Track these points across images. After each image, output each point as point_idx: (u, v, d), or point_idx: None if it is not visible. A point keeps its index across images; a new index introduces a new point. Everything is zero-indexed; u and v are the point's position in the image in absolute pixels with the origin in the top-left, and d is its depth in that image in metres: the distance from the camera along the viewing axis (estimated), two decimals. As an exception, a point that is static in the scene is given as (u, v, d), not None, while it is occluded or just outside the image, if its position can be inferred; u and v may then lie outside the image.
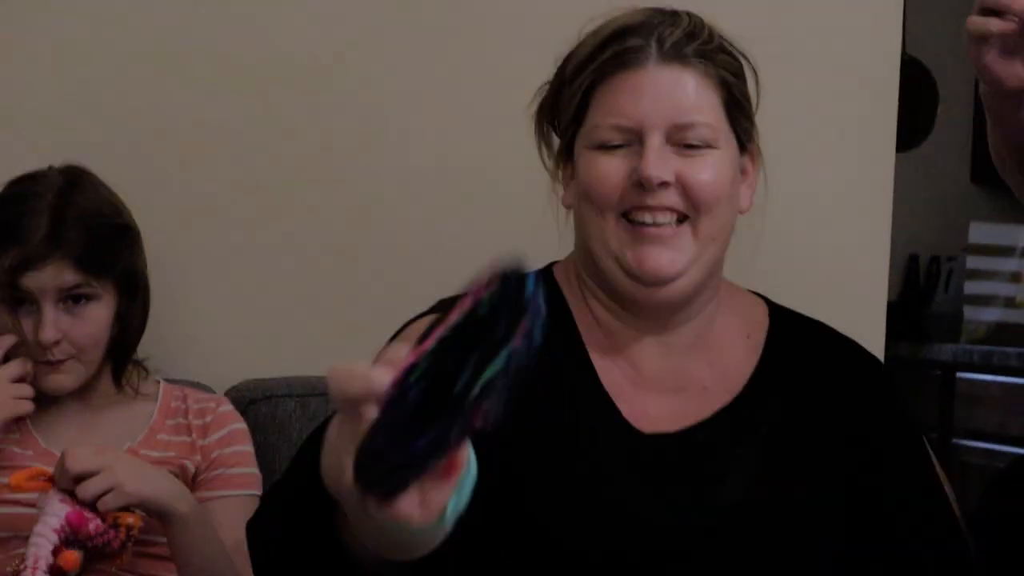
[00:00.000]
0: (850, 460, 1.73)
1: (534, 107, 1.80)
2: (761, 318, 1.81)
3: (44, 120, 2.41)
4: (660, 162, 1.67)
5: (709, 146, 1.69)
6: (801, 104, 2.51)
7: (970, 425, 4.27)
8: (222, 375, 2.39)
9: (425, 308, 1.78)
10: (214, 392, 2.32)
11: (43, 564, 1.87)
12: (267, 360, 2.42)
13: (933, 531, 1.75)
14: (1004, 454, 3.96)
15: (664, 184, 1.68)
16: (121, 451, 2.05)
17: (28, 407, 2.09)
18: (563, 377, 1.71)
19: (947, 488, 1.79)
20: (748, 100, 1.74)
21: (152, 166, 2.43)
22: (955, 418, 4.33)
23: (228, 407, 2.23)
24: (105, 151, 2.32)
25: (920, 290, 4.67)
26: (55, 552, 1.88)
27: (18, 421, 2.13)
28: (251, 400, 2.34)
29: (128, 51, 2.42)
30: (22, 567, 1.88)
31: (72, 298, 2.08)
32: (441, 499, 1.07)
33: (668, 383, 1.75)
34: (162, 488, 1.99)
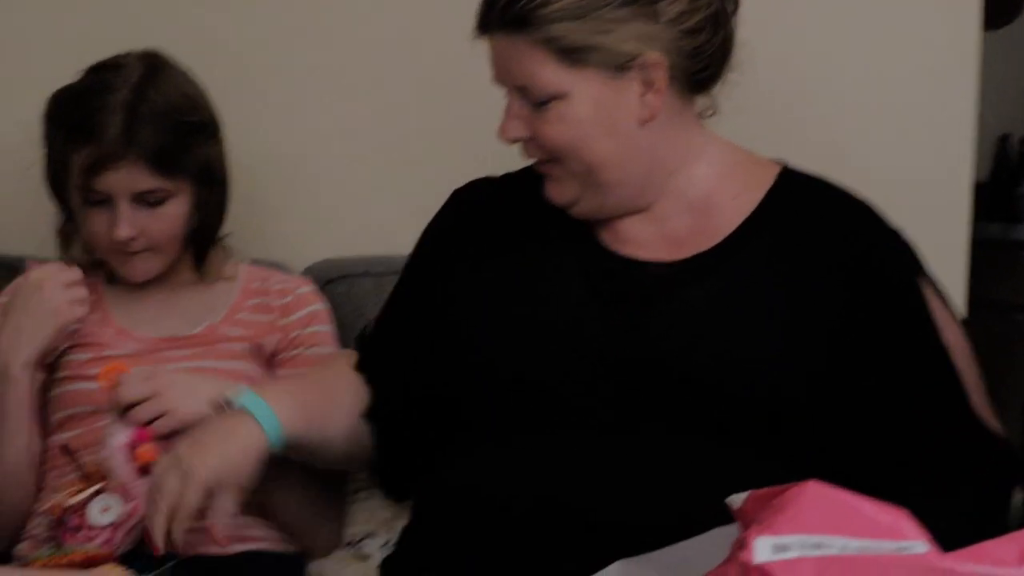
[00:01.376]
0: (839, 311, 1.79)
1: None
2: (765, 180, 1.89)
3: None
4: (508, 124, 1.84)
5: (555, 98, 1.79)
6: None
7: (1060, 305, 4.23)
8: (300, 255, 2.43)
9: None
10: (293, 272, 2.36)
11: (130, 476, 1.91)
12: (343, 240, 2.46)
13: (918, 385, 1.79)
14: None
15: (522, 139, 1.84)
16: (174, 372, 2.03)
17: (83, 311, 2.10)
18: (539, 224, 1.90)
19: (956, 348, 1.82)
20: (605, 30, 1.77)
21: (230, 48, 2.47)
22: (1044, 298, 4.29)
23: (309, 288, 2.26)
24: (183, 31, 2.37)
25: (1011, 170, 4.61)
26: (133, 456, 1.92)
27: (94, 307, 2.17)
28: (328, 279, 2.37)
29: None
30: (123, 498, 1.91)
31: (147, 197, 2.09)
32: None
33: (649, 241, 1.87)
34: None
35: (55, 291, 2.08)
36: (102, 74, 2.12)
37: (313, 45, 2.51)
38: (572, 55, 1.76)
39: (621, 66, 1.77)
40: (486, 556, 1.74)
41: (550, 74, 1.77)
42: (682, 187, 1.87)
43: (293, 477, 2.06)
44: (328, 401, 1.94)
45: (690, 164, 1.87)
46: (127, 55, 2.15)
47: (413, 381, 1.92)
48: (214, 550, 2.00)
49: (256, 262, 2.31)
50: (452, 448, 1.84)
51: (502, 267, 1.88)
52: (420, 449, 1.89)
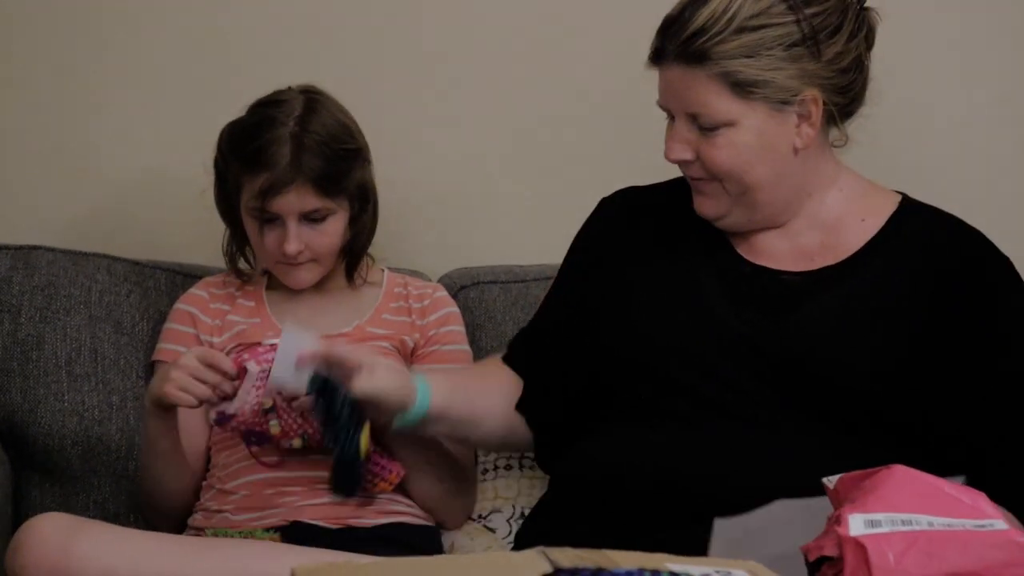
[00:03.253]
0: (949, 325, 1.97)
1: None
2: (887, 207, 2.07)
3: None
4: (674, 145, 2.00)
5: (725, 125, 1.96)
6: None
7: None
8: (436, 264, 2.61)
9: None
10: (430, 279, 2.56)
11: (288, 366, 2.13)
12: (475, 251, 2.64)
13: (1013, 396, 1.97)
14: None
15: (686, 160, 1.99)
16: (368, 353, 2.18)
17: (186, 400, 2.14)
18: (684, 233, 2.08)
19: None
20: (776, 67, 1.94)
21: (367, 69, 2.65)
22: None
23: (443, 293, 2.47)
24: (324, 61, 2.58)
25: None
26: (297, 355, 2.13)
27: (254, 311, 2.39)
28: (461, 286, 2.55)
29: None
30: None
31: (312, 216, 2.30)
32: None
33: (781, 254, 2.04)
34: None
35: (182, 372, 2.14)
36: (268, 109, 2.33)
37: (449, 64, 2.64)
38: (744, 88, 1.93)
39: (785, 100, 1.95)
40: (612, 523, 1.91)
41: (723, 104, 1.95)
42: (816, 208, 2.04)
43: (430, 460, 2.29)
44: (480, 385, 2.15)
45: (826, 188, 2.05)
46: (287, 90, 2.36)
47: (564, 373, 2.11)
48: (363, 522, 2.25)
49: (397, 270, 2.49)
50: (595, 432, 2.02)
51: (648, 270, 2.06)
52: (569, 433, 2.07)
